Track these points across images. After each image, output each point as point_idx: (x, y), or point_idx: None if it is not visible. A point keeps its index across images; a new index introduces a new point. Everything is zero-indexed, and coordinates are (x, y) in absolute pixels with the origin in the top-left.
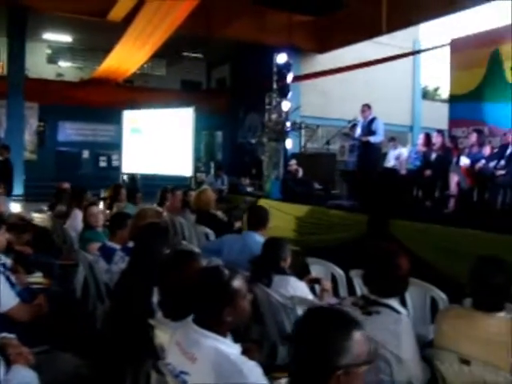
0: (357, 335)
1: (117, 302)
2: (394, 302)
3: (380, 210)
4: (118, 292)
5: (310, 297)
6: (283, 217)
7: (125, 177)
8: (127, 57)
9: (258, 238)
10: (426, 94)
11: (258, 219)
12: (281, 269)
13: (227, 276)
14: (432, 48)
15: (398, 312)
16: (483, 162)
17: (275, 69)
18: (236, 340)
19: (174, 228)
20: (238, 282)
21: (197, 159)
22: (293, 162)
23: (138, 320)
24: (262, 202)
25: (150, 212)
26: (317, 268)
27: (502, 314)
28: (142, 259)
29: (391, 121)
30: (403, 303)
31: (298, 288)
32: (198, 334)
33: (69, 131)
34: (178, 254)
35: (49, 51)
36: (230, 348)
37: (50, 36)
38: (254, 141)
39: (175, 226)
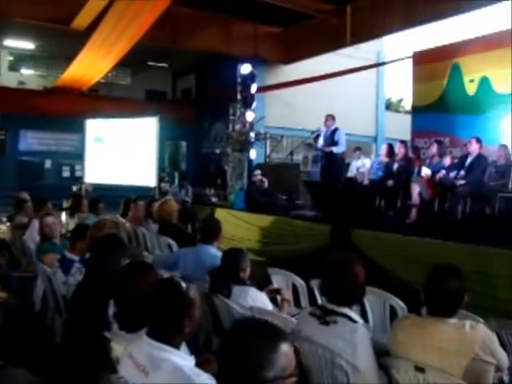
0: (283, 347)
1: (72, 315)
2: (351, 312)
3: (342, 220)
4: (74, 304)
5: (270, 307)
6: (248, 227)
7: (74, 188)
8: (91, 65)
9: (212, 250)
10: (390, 106)
11: (210, 231)
12: (240, 279)
13: (185, 287)
14: (395, 60)
15: (354, 321)
16: (443, 172)
17: (239, 79)
18: (196, 351)
19: (137, 239)
20: (193, 293)
21: (161, 169)
22: (257, 172)
23: (93, 333)
24: (225, 213)
25: (108, 223)
26: (278, 278)
27: (454, 321)
28: (97, 271)
29: (355, 131)
30: (363, 312)
31: (258, 298)
32: (151, 346)
33: (31, 140)
34: (133, 265)
35: (10, 58)
36: (184, 360)
37: (11, 43)
38: (218, 151)
39: (138, 236)
